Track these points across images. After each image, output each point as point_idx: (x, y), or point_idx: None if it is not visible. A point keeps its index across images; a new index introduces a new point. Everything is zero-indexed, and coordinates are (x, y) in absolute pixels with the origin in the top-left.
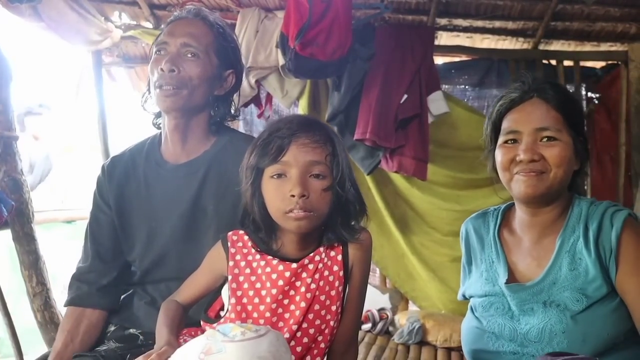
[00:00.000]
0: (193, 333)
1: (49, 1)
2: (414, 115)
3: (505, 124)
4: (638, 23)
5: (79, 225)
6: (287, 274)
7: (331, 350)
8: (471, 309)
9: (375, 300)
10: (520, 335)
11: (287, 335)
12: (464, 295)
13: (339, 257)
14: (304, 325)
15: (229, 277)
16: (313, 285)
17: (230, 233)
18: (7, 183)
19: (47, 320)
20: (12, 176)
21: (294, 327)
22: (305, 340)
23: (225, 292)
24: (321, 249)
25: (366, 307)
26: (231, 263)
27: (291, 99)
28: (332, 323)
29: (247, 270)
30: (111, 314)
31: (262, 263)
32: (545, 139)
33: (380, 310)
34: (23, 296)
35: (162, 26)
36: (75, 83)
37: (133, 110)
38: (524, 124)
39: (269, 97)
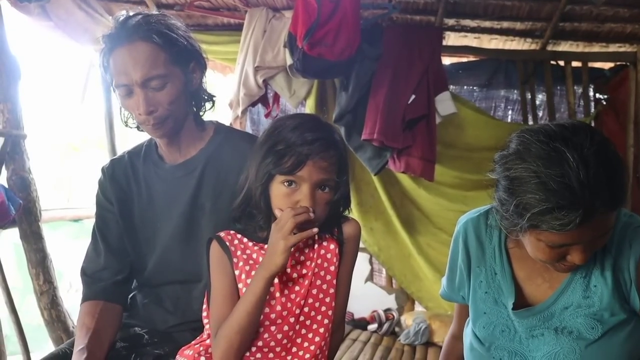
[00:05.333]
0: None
1: (57, 0)
2: (422, 115)
3: (555, 239)
4: None
5: (86, 224)
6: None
7: None
8: (470, 324)
9: (381, 300)
10: None
11: (297, 311)
12: (456, 297)
13: (332, 246)
14: (305, 309)
15: (236, 273)
16: (316, 270)
17: (222, 234)
18: (15, 181)
19: (54, 318)
20: (20, 175)
21: (302, 302)
22: (309, 322)
23: None
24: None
25: (372, 307)
26: (235, 260)
27: (299, 99)
28: (327, 301)
29: (251, 262)
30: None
31: (262, 252)
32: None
33: (387, 310)
34: (30, 294)
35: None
36: (82, 82)
37: None
38: (579, 237)
39: (277, 97)
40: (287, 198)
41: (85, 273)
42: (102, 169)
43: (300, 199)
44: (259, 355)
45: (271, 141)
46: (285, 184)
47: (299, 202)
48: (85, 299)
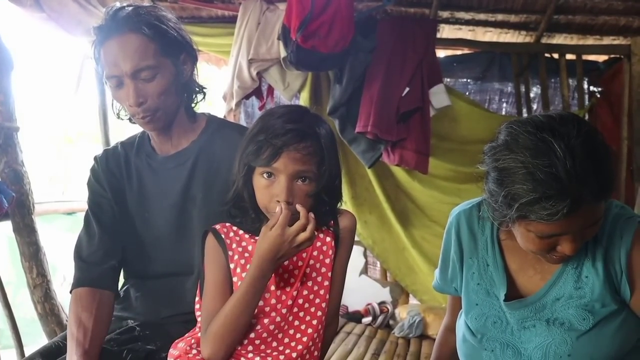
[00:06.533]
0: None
1: None
2: (416, 108)
3: (544, 229)
4: None
5: (80, 217)
6: None
7: None
8: (462, 315)
9: (375, 293)
10: (523, 358)
11: (289, 302)
12: (449, 288)
13: (328, 239)
14: (299, 300)
15: (231, 266)
16: (311, 262)
17: (217, 226)
18: (7, 174)
19: (48, 311)
20: (12, 167)
21: (294, 293)
22: (302, 314)
23: None
24: None
25: (367, 300)
26: (230, 253)
27: (293, 92)
28: (321, 293)
29: (246, 254)
30: None
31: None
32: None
33: (381, 303)
34: (23, 287)
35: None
36: (76, 74)
37: None
38: (568, 227)
39: (271, 89)
40: (266, 190)
41: (80, 257)
42: (95, 158)
43: (277, 192)
44: (250, 347)
45: (254, 131)
46: (265, 175)
47: (277, 196)
48: (79, 284)
